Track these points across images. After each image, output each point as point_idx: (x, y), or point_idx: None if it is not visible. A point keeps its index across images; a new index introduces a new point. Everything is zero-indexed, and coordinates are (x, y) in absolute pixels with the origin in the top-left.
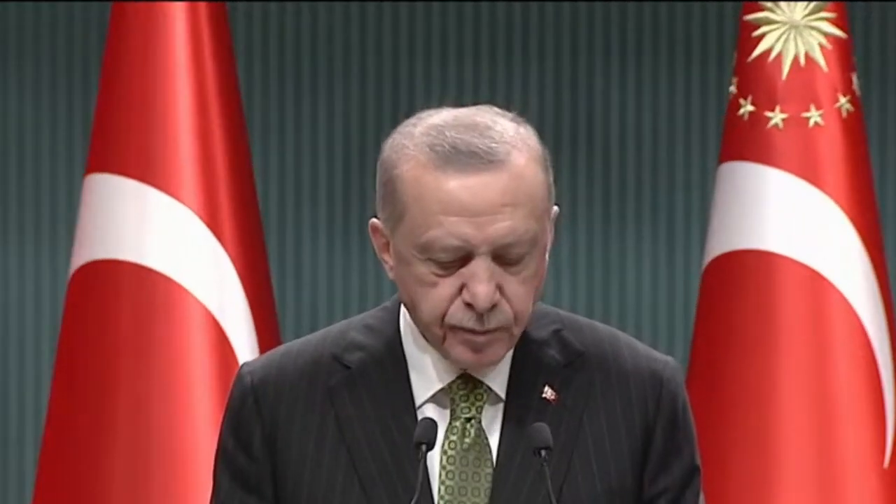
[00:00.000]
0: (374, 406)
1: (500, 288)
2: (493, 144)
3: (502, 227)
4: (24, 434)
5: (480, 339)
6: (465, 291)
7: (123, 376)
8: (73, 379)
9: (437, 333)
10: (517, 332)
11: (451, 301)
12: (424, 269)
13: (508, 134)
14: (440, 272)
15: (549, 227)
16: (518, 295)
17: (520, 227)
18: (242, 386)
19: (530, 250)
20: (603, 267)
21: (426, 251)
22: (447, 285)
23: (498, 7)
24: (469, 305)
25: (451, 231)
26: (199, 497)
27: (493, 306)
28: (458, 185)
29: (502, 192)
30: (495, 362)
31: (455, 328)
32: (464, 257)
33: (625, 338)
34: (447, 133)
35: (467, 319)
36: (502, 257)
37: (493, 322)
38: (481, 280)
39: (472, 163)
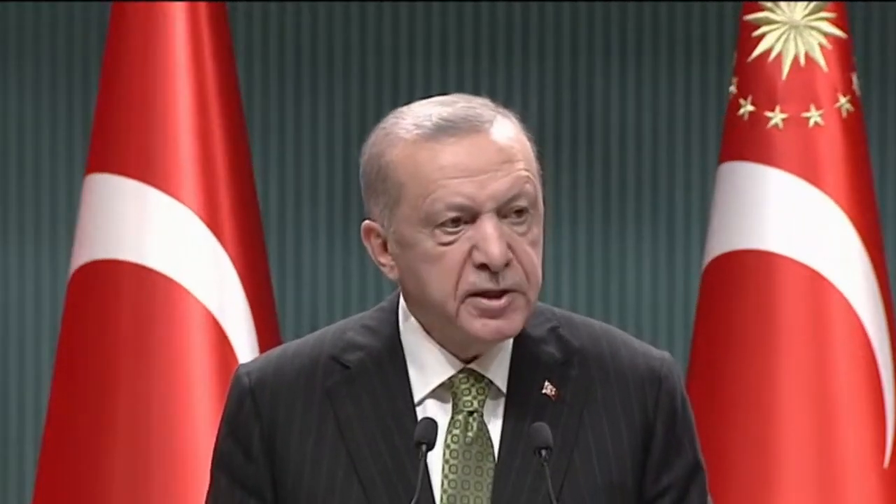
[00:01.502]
0: (374, 405)
1: (510, 247)
2: (478, 111)
3: (504, 182)
4: (24, 434)
5: (497, 303)
6: (475, 253)
7: (123, 376)
8: (73, 379)
9: (451, 309)
10: (532, 297)
11: (463, 266)
12: (431, 243)
13: (489, 105)
14: (447, 240)
15: (541, 201)
16: (528, 254)
17: (521, 179)
18: (240, 387)
19: (532, 208)
20: (603, 267)
21: (431, 220)
22: (456, 251)
23: (498, 7)
24: (481, 267)
25: (454, 191)
26: (198, 497)
27: (507, 265)
28: (454, 150)
29: (498, 151)
30: (513, 334)
31: (470, 296)
32: (468, 220)
33: (620, 334)
34: (430, 112)
35: (482, 281)
36: (508, 215)
37: (508, 281)
38: (492, 237)
39: (463, 127)
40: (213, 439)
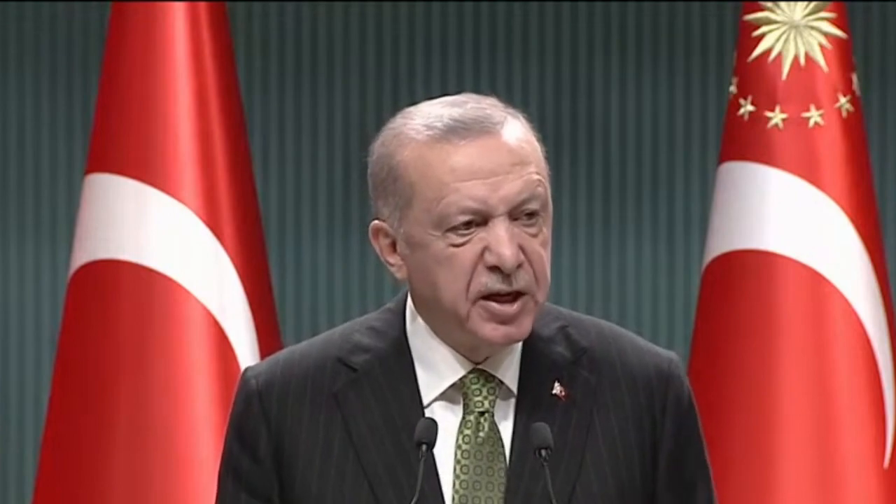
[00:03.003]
0: (382, 407)
1: (521, 249)
2: (489, 112)
3: (516, 185)
4: (24, 434)
5: (509, 308)
6: (487, 255)
7: (123, 376)
8: (73, 379)
9: (462, 312)
10: (541, 298)
11: (474, 267)
12: (442, 244)
13: (499, 105)
14: (458, 242)
15: (550, 202)
16: (538, 255)
17: (532, 182)
18: (248, 389)
19: (543, 211)
20: (603, 267)
21: (442, 223)
22: (467, 251)
23: (498, 7)
24: (493, 269)
25: (467, 194)
26: (198, 497)
27: (519, 266)
28: (466, 152)
29: (510, 153)
30: (522, 338)
31: (482, 299)
32: (480, 223)
33: (627, 334)
34: (440, 112)
35: (493, 282)
36: (518, 217)
37: (520, 282)
38: (504, 240)
39: (474, 128)
40: (213, 439)
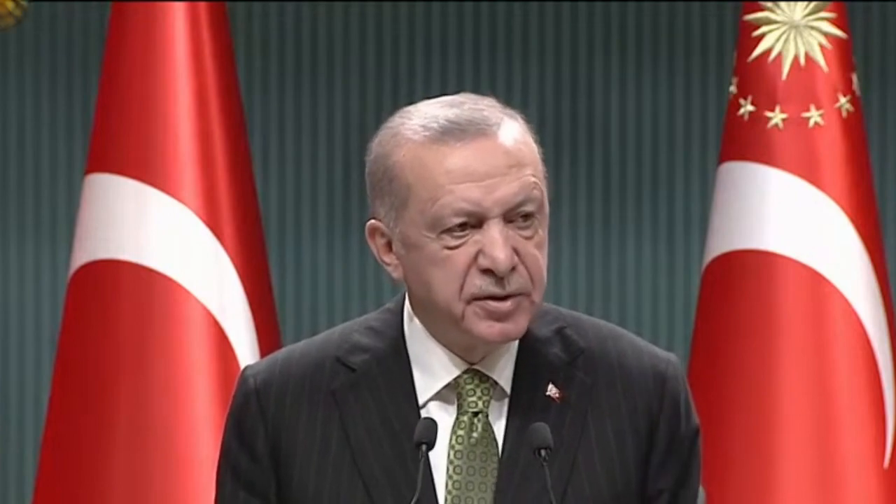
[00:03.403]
0: (378, 407)
1: (515, 251)
2: (486, 113)
3: (511, 187)
4: (24, 434)
5: (504, 305)
6: (480, 258)
7: (123, 376)
8: (73, 379)
9: (456, 312)
10: (537, 298)
11: (468, 270)
12: (437, 246)
13: (497, 106)
14: (452, 244)
15: (547, 203)
16: (534, 256)
17: (528, 185)
18: (246, 388)
19: (538, 213)
20: (603, 267)
21: (437, 224)
22: (461, 254)
23: (498, 7)
24: (486, 272)
25: (461, 196)
26: (198, 497)
27: (513, 269)
28: (462, 154)
29: (506, 155)
30: (518, 336)
31: (475, 299)
32: (475, 225)
33: (627, 335)
34: (437, 113)
35: (487, 285)
36: (514, 220)
37: (513, 285)
38: (498, 243)
39: (470, 130)
40: (213, 439)
